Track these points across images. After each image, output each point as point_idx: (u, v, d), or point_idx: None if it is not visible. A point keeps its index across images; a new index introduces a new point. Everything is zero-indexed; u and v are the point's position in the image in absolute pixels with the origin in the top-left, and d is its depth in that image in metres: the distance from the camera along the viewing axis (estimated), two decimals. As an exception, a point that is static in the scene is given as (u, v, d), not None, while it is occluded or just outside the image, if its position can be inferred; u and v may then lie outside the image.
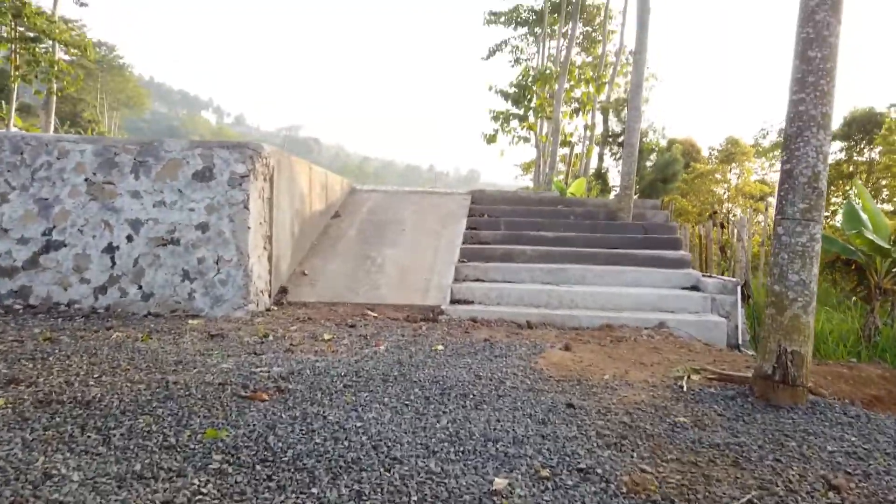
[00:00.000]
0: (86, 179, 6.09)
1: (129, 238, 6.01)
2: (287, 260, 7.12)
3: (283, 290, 6.87)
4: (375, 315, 6.31)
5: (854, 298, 8.27)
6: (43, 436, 2.72)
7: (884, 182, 21.13)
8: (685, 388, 4.01)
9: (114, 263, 5.98)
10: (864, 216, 6.72)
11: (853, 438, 3.22)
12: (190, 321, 5.56)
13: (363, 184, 12.27)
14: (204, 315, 5.86)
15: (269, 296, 6.54)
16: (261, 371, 3.93)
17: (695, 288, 7.30)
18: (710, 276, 7.66)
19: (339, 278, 7.37)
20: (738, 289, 6.97)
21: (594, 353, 5.07)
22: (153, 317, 5.77)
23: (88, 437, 2.73)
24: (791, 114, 3.60)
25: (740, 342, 6.65)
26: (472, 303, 6.83)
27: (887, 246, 6.43)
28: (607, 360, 4.84)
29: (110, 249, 6.00)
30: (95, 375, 3.70)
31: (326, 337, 5.14)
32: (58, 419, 2.92)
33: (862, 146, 24.98)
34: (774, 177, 31.37)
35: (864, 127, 24.25)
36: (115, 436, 2.75)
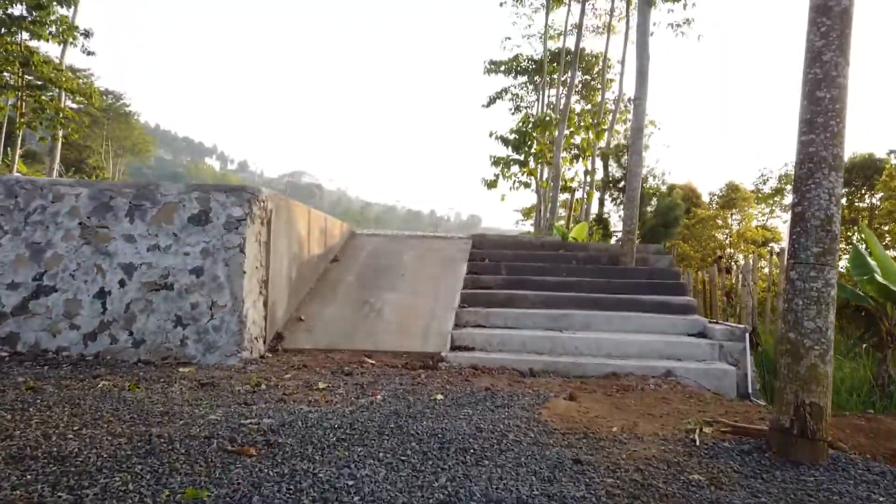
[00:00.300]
0: (80, 223, 5.99)
1: (122, 283, 5.87)
2: (283, 305, 6.96)
3: (279, 337, 6.68)
4: (373, 362, 6.11)
5: (864, 346, 8.05)
6: (10, 496, 2.52)
7: (886, 228, 21.08)
8: (698, 442, 3.80)
9: (105, 309, 5.83)
10: (872, 262, 6.57)
11: (881, 498, 3.01)
12: (181, 369, 5.37)
13: (365, 229, 12.20)
14: (196, 362, 5.67)
15: (264, 342, 6.35)
16: (250, 423, 3.73)
17: (701, 335, 7.11)
18: (716, 323, 7.48)
19: (337, 324, 7.19)
20: (747, 336, 6.78)
21: (600, 403, 4.86)
22: (143, 364, 5.58)
23: (59, 497, 2.54)
24: (801, 155, 3.50)
25: (750, 391, 6.42)
26: (472, 349, 6.63)
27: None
28: (614, 410, 4.63)
29: (102, 294, 5.85)
30: (75, 428, 3.50)
31: (321, 386, 4.94)
32: (29, 477, 2.72)
33: (863, 192, 25.03)
34: (774, 222, 31.39)
35: (864, 173, 24.35)
36: (87, 496, 2.55)
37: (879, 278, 6.35)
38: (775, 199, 31.11)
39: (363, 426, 3.80)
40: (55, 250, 5.92)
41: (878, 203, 23.40)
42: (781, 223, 31.06)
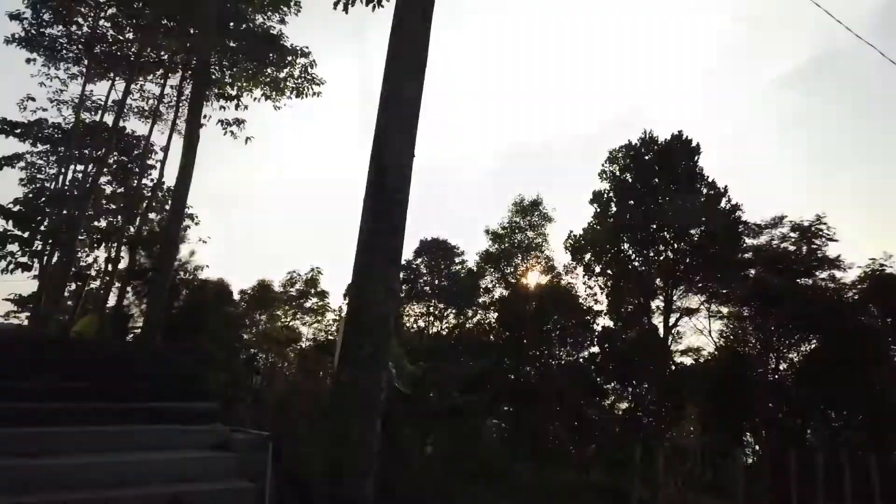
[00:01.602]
0: None
1: None
2: None
3: None
4: None
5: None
6: None
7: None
8: None
9: None
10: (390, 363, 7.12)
11: None
12: None
13: None
14: None
15: None
16: None
17: (223, 446, 6.40)
18: (239, 431, 6.91)
19: None
20: (270, 445, 6.37)
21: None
22: None
23: None
24: (363, 245, 3.25)
25: (268, 511, 5.93)
26: None
27: (409, 391, 6.88)
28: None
29: None
30: None
31: None
32: None
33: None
34: (296, 323, 33.37)
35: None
36: None
37: (395, 381, 6.88)
38: (300, 301, 33.21)
39: None
40: None
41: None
42: (301, 324, 33.26)
